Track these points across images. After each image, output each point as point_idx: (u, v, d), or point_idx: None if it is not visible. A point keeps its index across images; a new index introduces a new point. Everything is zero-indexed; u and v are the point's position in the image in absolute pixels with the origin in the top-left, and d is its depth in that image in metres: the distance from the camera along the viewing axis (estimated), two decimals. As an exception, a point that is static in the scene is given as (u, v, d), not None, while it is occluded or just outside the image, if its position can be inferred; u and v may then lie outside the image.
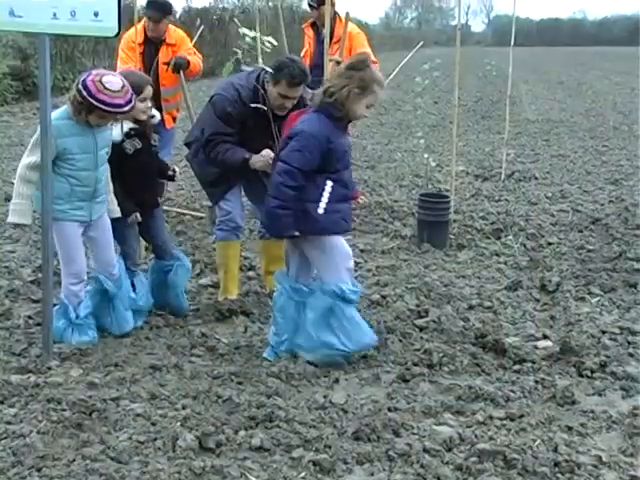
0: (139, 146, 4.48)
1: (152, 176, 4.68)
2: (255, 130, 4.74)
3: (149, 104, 4.51)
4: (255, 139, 4.75)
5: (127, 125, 4.42)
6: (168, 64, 6.62)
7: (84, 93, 4.01)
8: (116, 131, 4.38)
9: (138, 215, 4.56)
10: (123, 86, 4.07)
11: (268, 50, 4.59)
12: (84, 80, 4.04)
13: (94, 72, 4.12)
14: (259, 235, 5.31)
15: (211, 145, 4.69)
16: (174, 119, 6.88)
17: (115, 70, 6.46)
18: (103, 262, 4.46)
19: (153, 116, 4.64)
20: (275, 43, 4.60)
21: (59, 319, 4.34)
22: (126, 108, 4.09)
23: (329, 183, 4.03)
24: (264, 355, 4.26)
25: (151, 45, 6.66)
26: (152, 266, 4.95)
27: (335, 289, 4.05)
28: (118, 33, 4.14)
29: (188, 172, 9.56)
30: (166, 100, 6.64)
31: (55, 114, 4.14)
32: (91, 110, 4.07)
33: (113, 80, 4.06)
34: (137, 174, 4.53)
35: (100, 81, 4.01)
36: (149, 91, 4.48)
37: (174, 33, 6.83)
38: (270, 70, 4.60)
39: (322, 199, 4.03)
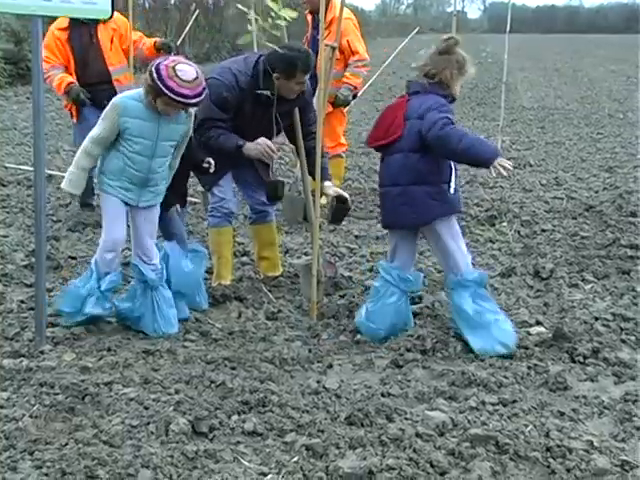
0: None
1: (188, 166, 4.61)
2: (251, 117, 4.71)
3: None
4: (250, 126, 4.72)
5: None
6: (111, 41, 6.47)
7: (154, 76, 3.97)
8: None
9: (178, 207, 4.64)
10: (196, 78, 3.99)
11: (284, 24, 4.37)
12: (158, 64, 3.99)
13: (172, 58, 4.08)
14: (250, 221, 5.29)
15: (203, 129, 4.64)
16: None
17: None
18: (142, 246, 4.39)
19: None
20: (294, 15, 4.40)
21: (82, 283, 4.37)
22: (193, 100, 4.02)
23: (453, 162, 4.18)
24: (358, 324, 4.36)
25: (81, 26, 6.38)
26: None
27: (476, 277, 4.20)
28: (111, 16, 4.12)
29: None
30: (117, 81, 6.51)
31: (128, 93, 4.22)
32: (158, 95, 4.01)
33: (187, 70, 3.99)
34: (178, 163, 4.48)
35: (173, 67, 3.96)
36: None
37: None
38: (274, 66, 4.53)
39: (452, 178, 4.17)
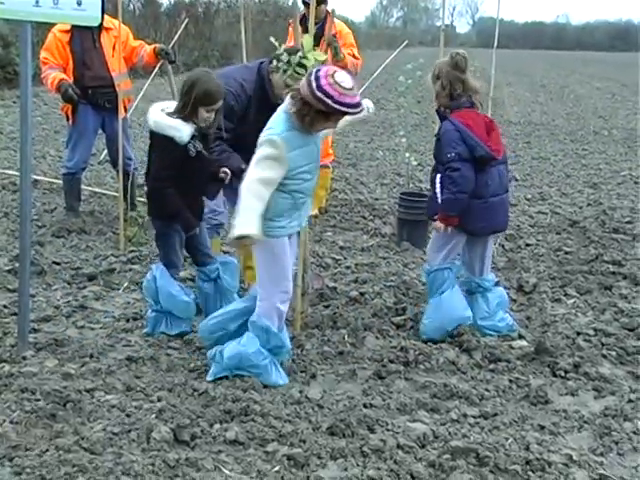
0: (200, 148, 4.30)
1: (207, 180, 4.51)
2: (254, 123, 4.65)
3: (212, 116, 4.27)
4: (253, 132, 4.69)
5: (192, 127, 4.23)
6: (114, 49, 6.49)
7: (328, 101, 3.56)
8: (185, 133, 4.19)
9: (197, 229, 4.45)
10: (350, 79, 3.68)
11: (310, 64, 4.06)
12: (319, 86, 3.57)
13: (321, 73, 3.62)
14: None
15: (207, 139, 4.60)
16: (125, 109, 6.76)
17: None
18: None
19: (210, 125, 4.34)
20: (322, 58, 4.24)
21: (257, 344, 3.86)
22: (358, 109, 3.68)
23: None
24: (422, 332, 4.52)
25: (84, 31, 6.38)
26: (200, 277, 4.63)
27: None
28: (101, 22, 4.13)
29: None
30: (118, 86, 6.52)
31: (278, 127, 3.72)
32: (328, 116, 3.68)
33: (344, 77, 3.63)
34: (196, 177, 4.35)
35: (336, 82, 3.57)
36: (220, 104, 4.28)
37: (108, 17, 6.66)
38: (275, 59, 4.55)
39: None
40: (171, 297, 4.39)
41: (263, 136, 3.75)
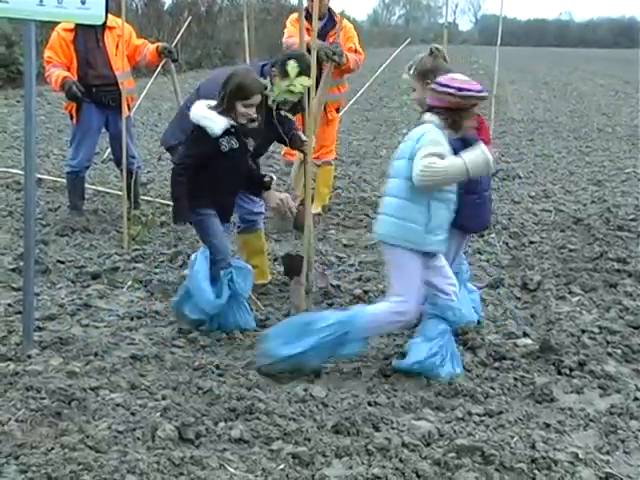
0: (235, 146, 4.28)
1: (240, 180, 4.47)
2: (256, 128, 4.67)
3: (252, 112, 4.28)
4: (255, 131, 4.70)
5: (228, 121, 4.24)
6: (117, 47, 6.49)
7: (469, 93, 3.76)
8: (218, 125, 4.20)
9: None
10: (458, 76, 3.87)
11: (297, 91, 4.24)
12: (447, 85, 3.77)
13: (445, 81, 3.81)
14: (237, 230, 5.28)
15: None
16: (129, 107, 6.77)
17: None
18: (442, 283, 4.00)
19: (253, 120, 4.34)
20: (308, 84, 4.28)
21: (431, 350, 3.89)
22: (484, 93, 3.87)
23: None
24: None
25: (88, 30, 6.39)
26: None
27: None
28: (105, 21, 4.13)
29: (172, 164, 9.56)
30: (122, 84, 6.52)
31: (432, 132, 3.80)
32: (467, 109, 3.83)
33: (453, 76, 3.85)
34: (227, 174, 4.33)
35: (453, 79, 3.80)
36: (257, 99, 4.30)
37: (112, 17, 6.67)
38: (278, 64, 4.56)
39: None
40: (199, 289, 4.34)
41: (420, 145, 3.78)
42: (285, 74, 4.45)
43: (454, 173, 3.72)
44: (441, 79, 3.83)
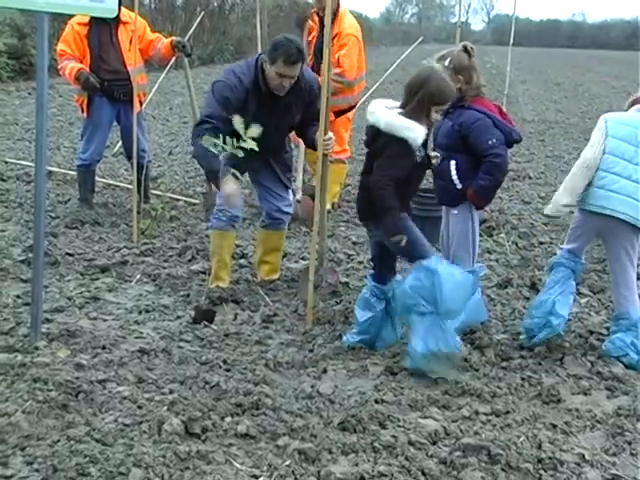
0: (423, 153, 4.08)
1: (418, 187, 4.29)
2: (256, 116, 4.66)
3: (440, 117, 4.11)
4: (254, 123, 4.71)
5: (425, 129, 3.93)
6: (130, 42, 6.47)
7: None
8: (420, 136, 3.90)
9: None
10: None
11: (248, 147, 4.10)
12: None
13: None
14: (262, 224, 5.26)
15: (202, 127, 4.55)
16: (140, 103, 6.76)
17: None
18: None
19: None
20: (257, 134, 4.10)
21: None
22: None
23: None
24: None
25: (102, 25, 6.40)
26: (373, 293, 4.29)
27: None
28: (118, 15, 4.13)
29: (183, 158, 9.57)
30: (134, 79, 6.51)
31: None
32: None
33: None
34: (413, 184, 4.14)
35: None
36: (448, 105, 4.12)
37: (126, 11, 6.66)
38: (265, 52, 4.59)
39: None
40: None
41: None
42: (273, 62, 4.51)
43: None
44: None
